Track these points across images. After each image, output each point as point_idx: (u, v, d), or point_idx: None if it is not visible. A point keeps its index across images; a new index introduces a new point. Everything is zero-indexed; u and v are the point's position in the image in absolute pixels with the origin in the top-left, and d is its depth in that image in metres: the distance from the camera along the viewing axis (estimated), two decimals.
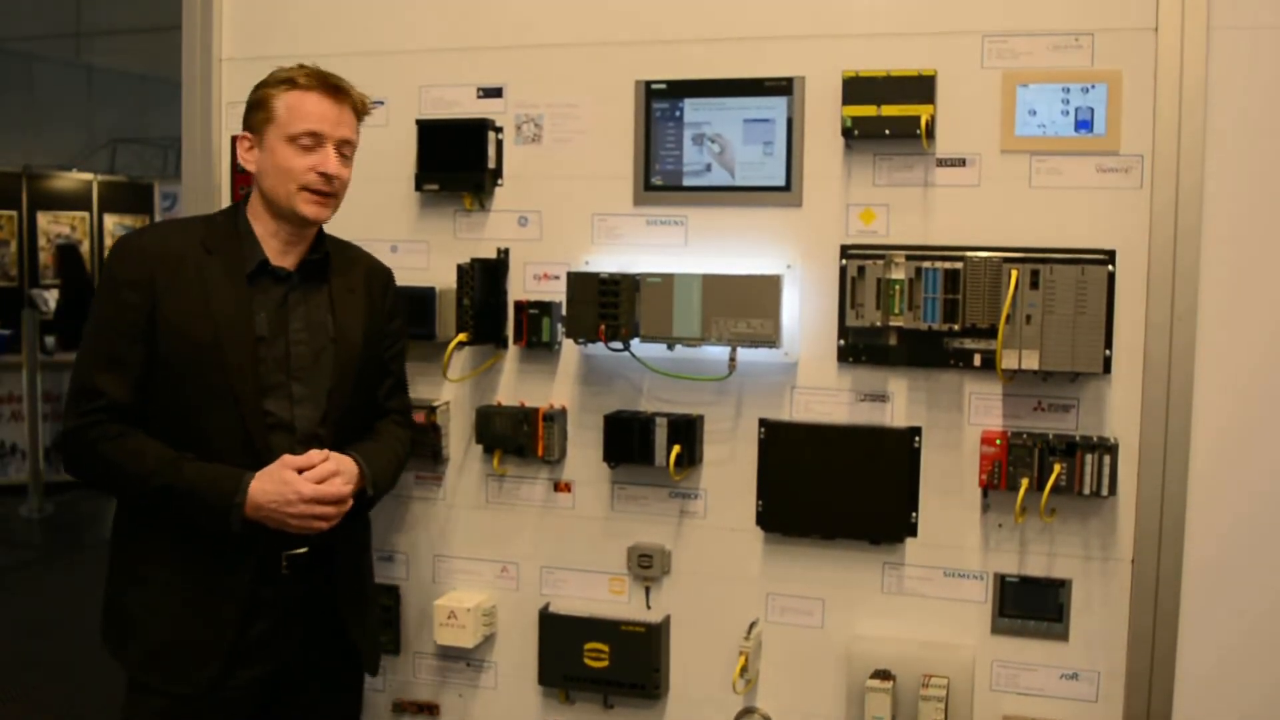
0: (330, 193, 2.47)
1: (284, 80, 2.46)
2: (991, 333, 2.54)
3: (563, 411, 2.92)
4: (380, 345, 2.67)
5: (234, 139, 2.56)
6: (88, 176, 12.30)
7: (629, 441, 2.78)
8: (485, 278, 2.89)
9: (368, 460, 2.52)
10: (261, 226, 2.49)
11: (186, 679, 2.41)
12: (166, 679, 2.42)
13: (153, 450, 2.37)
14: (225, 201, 3.07)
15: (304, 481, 2.36)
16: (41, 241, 11.84)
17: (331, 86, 2.47)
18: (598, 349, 2.80)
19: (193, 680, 2.40)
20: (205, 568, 2.41)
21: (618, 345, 2.75)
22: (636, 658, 2.86)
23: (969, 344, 2.61)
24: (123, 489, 2.43)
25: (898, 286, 2.59)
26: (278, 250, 2.50)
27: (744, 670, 2.74)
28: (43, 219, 11.89)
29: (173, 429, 2.40)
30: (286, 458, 2.39)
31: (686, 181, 2.82)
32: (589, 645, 2.88)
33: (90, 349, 2.42)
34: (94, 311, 2.44)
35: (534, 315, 2.88)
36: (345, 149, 2.49)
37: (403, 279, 2.96)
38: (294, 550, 2.46)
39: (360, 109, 2.54)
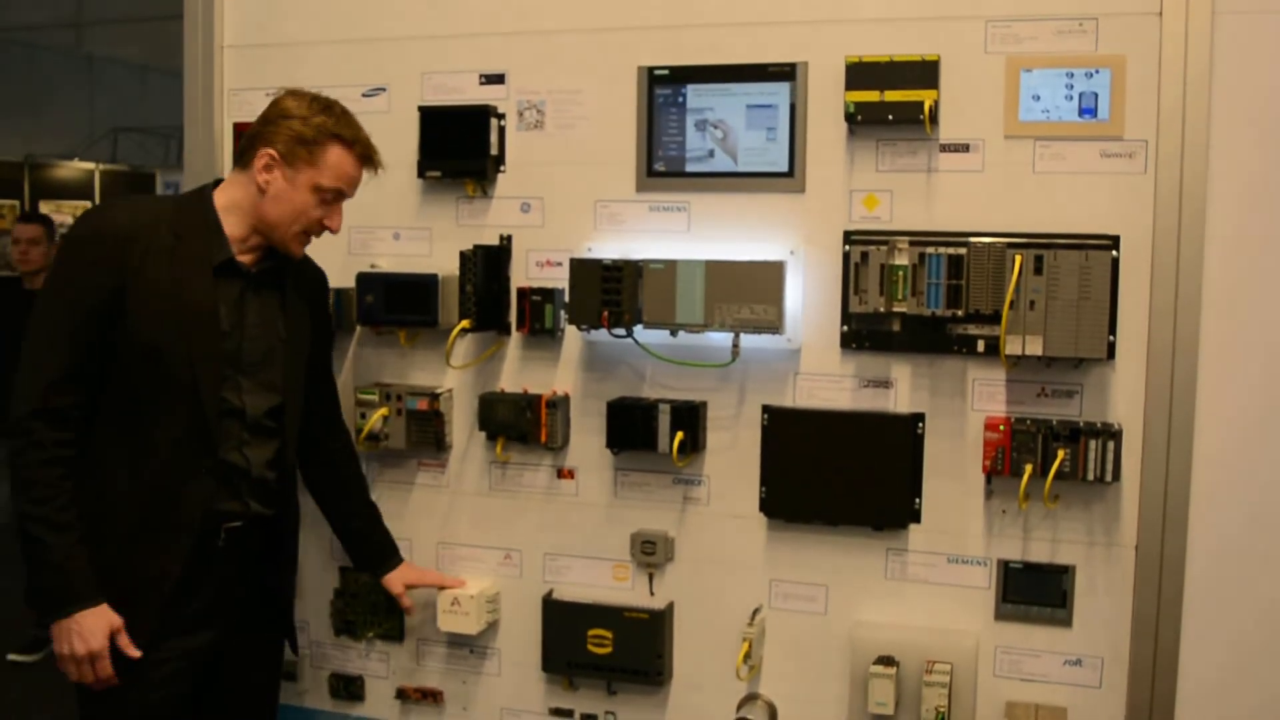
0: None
1: (342, 137, 2.53)
2: (995, 318, 2.53)
3: (565, 398, 2.92)
4: (319, 346, 2.80)
5: (250, 137, 2.54)
6: (90, 166, 12.30)
7: (632, 428, 2.78)
8: (488, 264, 2.88)
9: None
10: (232, 227, 2.53)
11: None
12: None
13: (62, 499, 2.41)
14: None
15: (104, 661, 2.43)
16: None
17: (374, 163, 2.60)
18: (600, 335, 2.80)
19: (135, 643, 2.48)
20: (144, 541, 2.48)
21: (620, 332, 2.75)
22: (640, 644, 2.86)
23: (972, 330, 2.60)
24: (20, 498, 2.43)
25: (901, 272, 2.59)
26: (238, 250, 2.55)
27: (747, 656, 2.74)
28: (45, 208, 11.88)
29: (124, 412, 2.46)
30: (125, 641, 2.45)
31: (689, 168, 2.81)
32: (592, 632, 2.88)
33: (51, 325, 2.43)
34: (55, 285, 2.47)
35: (536, 302, 2.87)
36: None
37: (405, 266, 2.98)
38: (231, 524, 2.56)
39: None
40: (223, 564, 2.58)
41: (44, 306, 2.47)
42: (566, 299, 2.83)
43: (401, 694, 3.13)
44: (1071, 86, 2.57)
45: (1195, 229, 2.49)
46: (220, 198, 2.55)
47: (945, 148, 2.65)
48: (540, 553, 2.99)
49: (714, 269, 2.69)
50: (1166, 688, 2.57)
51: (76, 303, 2.42)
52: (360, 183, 2.61)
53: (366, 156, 2.58)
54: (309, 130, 2.50)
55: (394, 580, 2.92)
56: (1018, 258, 2.50)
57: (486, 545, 3.04)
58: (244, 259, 2.56)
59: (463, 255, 2.87)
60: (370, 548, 2.94)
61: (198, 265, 2.48)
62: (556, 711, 3.00)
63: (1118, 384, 2.58)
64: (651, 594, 2.91)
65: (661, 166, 2.83)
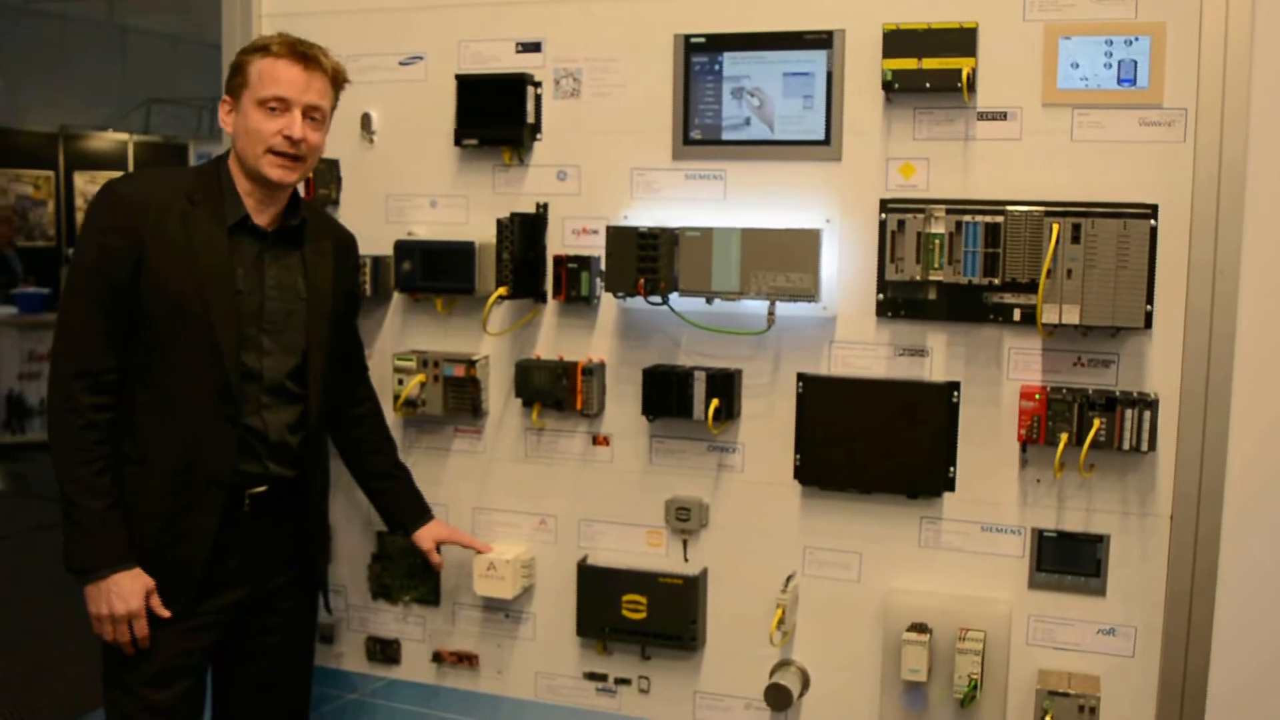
0: (296, 155, 2.55)
1: (260, 48, 2.56)
2: (1032, 287, 2.53)
3: (601, 365, 2.93)
4: (346, 309, 2.84)
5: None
6: (123, 137, 12.38)
7: (667, 395, 2.79)
8: (524, 232, 2.90)
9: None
10: (239, 184, 2.60)
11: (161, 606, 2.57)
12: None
13: (98, 463, 2.50)
14: None
15: (141, 621, 2.53)
16: (78, 202, 11.95)
17: (300, 54, 2.55)
18: (636, 303, 2.81)
19: (167, 607, 2.57)
20: (175, 509, 2.56)
21: (656, 299, 2.76)
22: (674, 610, 2.88)
23: (1009, 298, 2.60)
24: (57, 462, 2.51)
25: (937, 241, 2.58)
26: (253, 208, 2.61)
27: (781, 623, 2.76)
28: (79, 179, 11.99)
29: (149, 374, 2.53)
30: (156, 602, 2.55)
31: (725, 135, 2.81)
32: (627, 597, 2.91)
33: (80, 293, 2.51)
34: (80, 254, 2.57)
35: (573, 269, 2.89)
36: (314, 114, 2.58)
37: (442, 233, 3.00)
38: (255, 489, 2.63)
39: (335, 77, 2.62)
40: (250, 528, 2.63)
41: (72, 275, 2.56)
42: (603, 267, 2.84)
43: (437, 657, 3.17)
44: (1110, 54, 2.55)
45: (1234, 198, 2.48)
46: (230, 162, 2.62)
47: (983, 116, 2.64)
48: (575, 519, 3.02)
49: (750, 237, 2.69)
50: (1200, 658, 2.57)
51: (100, 270, 2.50)
52: (306, 86, 2.54)
53: (287, 51, 2.54)
54: (235, 62, 2.58)
55: (424, 535, 2.95)
56: (1055, 226, 2.50)
57: (522, 511, 3.06)
58: (261, 220, 2.61)
59: (499, 223, 2.88)
60: (400, 506, 2.98)
61: (213, 226, 2.55)
62: (590, 675, 3.03)
63: (1154, 353, 2.57)
64: (685, 560, 2.93)
65: (698, 134, 2.84)
